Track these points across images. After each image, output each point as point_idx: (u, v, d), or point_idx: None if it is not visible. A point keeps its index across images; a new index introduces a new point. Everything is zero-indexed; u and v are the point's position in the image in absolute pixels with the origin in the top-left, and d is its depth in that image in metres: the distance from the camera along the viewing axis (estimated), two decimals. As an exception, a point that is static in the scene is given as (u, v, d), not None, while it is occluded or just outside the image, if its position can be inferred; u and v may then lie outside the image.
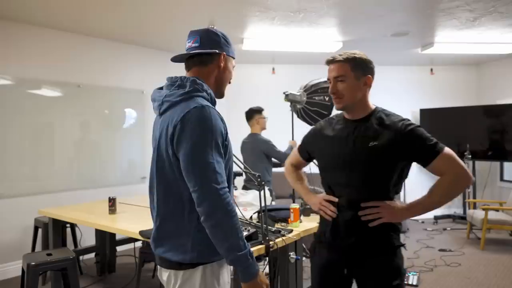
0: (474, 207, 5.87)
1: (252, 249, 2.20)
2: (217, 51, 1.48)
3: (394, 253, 1.66)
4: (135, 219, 3.03)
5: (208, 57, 1.48)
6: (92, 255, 4.17)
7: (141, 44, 5.15)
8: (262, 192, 2.14)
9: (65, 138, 4.49)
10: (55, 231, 3.59)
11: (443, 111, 6.41)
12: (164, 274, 1.46)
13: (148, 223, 2.75)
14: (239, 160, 2.53)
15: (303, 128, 1.73)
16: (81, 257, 4.14)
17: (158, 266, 1.50)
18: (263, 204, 2.34)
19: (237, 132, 4.21)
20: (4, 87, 4.01)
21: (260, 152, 4.16)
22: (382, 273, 1.64)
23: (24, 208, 4.12)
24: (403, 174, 1.67)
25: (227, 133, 1.39)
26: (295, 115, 4.08)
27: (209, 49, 1.47)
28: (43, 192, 4.30)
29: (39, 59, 4.29)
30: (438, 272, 4.07)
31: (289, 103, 4.13)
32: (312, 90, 3.85)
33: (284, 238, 2.42)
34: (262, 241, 2.28)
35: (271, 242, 2.30)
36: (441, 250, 4.83)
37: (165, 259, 1.41)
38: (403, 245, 1.68)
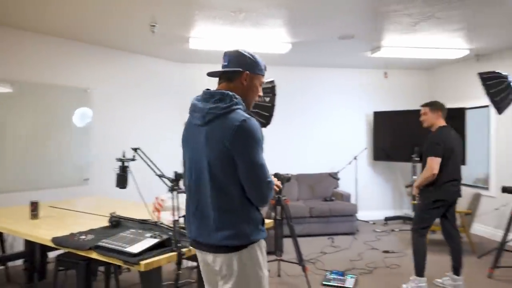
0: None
1: (162, 256, 2.14)
2: (240, 69, 1.75)
3: None
4: (56, 225, 2.88)
5: (233, 75, 1.76)
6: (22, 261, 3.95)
7: (86, 41, 4.96)
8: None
9: (14, 137, 4.39)
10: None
11: (396, 114, 6.51)
12: (217, 260, 1.69)
13: (68, 229, 2.61)
14: (154, 165, 2.44)
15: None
16: (10, 263, 3.92)
17: (212, 254, 1.71)
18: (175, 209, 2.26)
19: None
20: None
21: None
22: None
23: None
24: None
25: None
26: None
27: (234, 67, 1.75)
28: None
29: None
30: (376, 274, 4.10)
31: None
32: (252, 92, 3.78)
33: (200, 244, 2.33)
34: (174, 248, 2.20)
35: (184, 249, 2.22)
36: (384, 251, 4.89)
37: (222, 246, 1.66)
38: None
